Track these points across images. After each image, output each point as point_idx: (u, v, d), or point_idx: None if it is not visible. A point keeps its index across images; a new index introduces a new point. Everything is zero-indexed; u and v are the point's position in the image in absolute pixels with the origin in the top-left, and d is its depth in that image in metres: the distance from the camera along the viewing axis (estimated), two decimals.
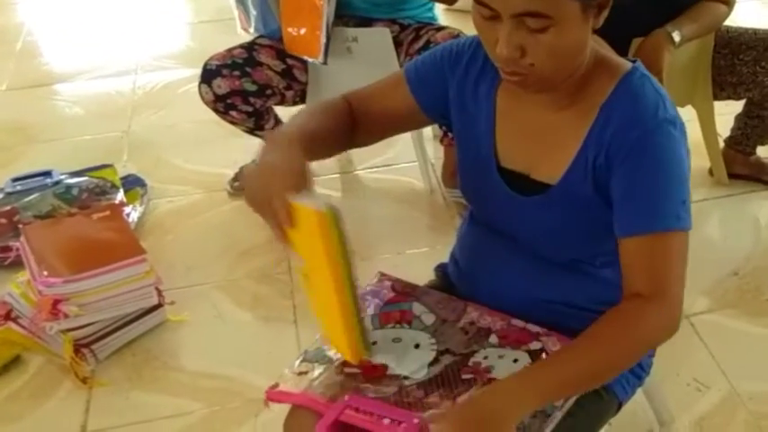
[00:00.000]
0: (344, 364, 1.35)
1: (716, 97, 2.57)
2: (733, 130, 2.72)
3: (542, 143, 1.31)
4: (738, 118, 2.69)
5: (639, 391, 1.65)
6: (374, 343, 1.38)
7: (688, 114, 2.67)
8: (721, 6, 2.36)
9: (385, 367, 1.34)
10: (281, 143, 1.24)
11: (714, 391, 2.05)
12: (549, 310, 1.40)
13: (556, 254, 1.38)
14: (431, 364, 1.34)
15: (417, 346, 1.38)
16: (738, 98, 2.58)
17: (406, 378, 1.31)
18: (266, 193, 1.18)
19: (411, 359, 1.35)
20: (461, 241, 1.54)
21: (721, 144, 2.76)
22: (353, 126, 1.41)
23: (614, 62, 1.28)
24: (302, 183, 1.18)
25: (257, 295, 2.45)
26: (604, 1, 1.18)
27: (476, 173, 1.40)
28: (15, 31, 4.33)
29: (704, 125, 2.66)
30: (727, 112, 2.72)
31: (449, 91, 1.39)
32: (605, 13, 1.19)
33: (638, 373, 1.48)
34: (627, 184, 1.22)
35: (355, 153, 3.11)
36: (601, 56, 1.27)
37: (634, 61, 1.29)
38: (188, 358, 2.25)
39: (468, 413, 1.12)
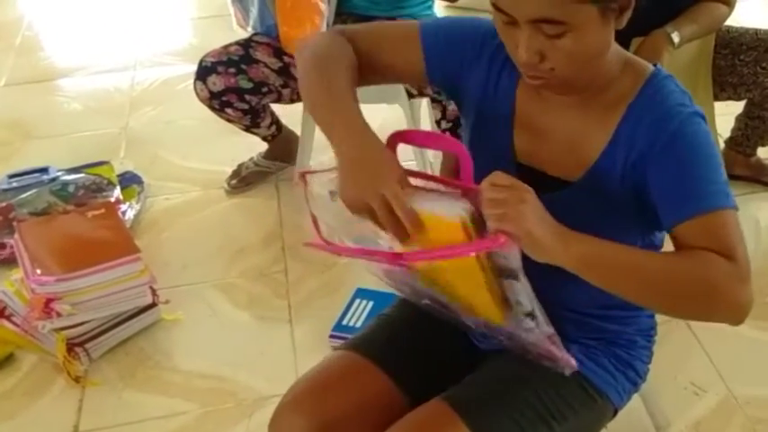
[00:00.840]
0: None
1: (716, 98, 2.54)
2: (733, 130, 2.70)
3: (564, 141, 1.30)
4: (739, 119, 2.67)
5: (636, 394, 1.64)
6: None
7: None
8: (722, 7, 2.34)
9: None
10: (362, 131, 1.21)
11: (711, 395, 2.04)
12: (551, 315, 1.38)
13: None
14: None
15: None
16: (739, 99, 2.56)
17: None
18: (376, 192, 1.14)
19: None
20: None
21: (721, 145, 2.73)
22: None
23: (639, 63, 1.28)
24: (404, 173, 1.17)
25: (252, 294, 2.44)
26: (626, 2, 1.16)
27: (490, 165, 1.33)
28: (15, 25, 4.30)
29: None
30: (727, 113, 2.69)
31: (465, 77, 1.36)
32: (628, 13, 1.18)
33: (634, 378, 1.47)
34: (671, 174, 1.19)
35: None
36: (627, 56, 1.27)
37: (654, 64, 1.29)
38: (182, 358, 2.24)
39: (537, 205, 1.12)
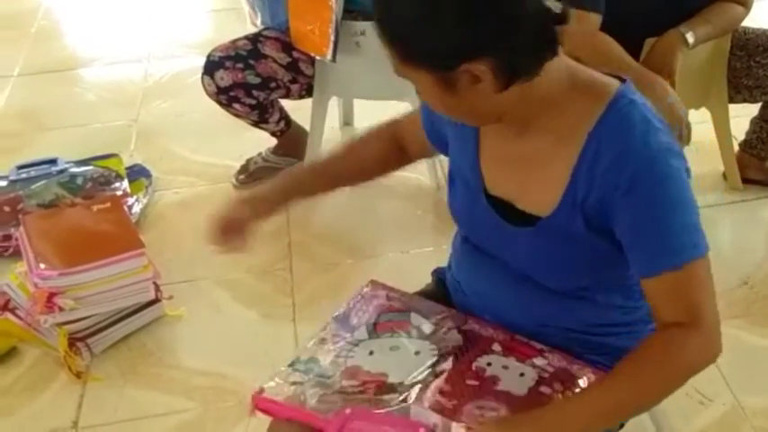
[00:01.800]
0: (343, 375, 1.31)
1: (731, 100, 2.51)
2: (748, 133, 2.66)
3: (526, 172, 1.26)
4: (754, 121, 2.62)
5: None
6: (371, 353, 1.36)
7: (702, 116, 2.62)
8: (737, 7, 2.29)
9: (385, 376, 1.30)
10: None
11: (717, 405, 2.00)
12: (545, 334, 1.37)
13: (549, 283, 1.32)
14: (433, 365, 1.31)
15: (417, 353, 1.35)
16: (754, 101, 2.52)
17: (408, 385, 1.28)
18: None
19: (411, 365, 1.32)
20: (456, 255, 1.50)
21: (736, 148, 2.69)
22: (403, 151, 1.53)
23: (599, 85, 1.21)
24: None
25: (257, 292, 2.43)
26: (473, 78, 1.12)
27: (464, 197, 1.36)
28: (31, 14, 4.31)
29: (718, 128, 2.60)
30: (742, 115, 2.65)
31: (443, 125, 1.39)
32: (486, 85, 1.13)
33: None
34: (634, 224, 1.17)
35: None
36: (582, 79, 1.21)
37: (624, 80, 1.23)
38: (184, 355, 2.23)
39: None
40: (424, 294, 1.52)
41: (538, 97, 1.18)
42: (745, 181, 2.68)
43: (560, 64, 1.18)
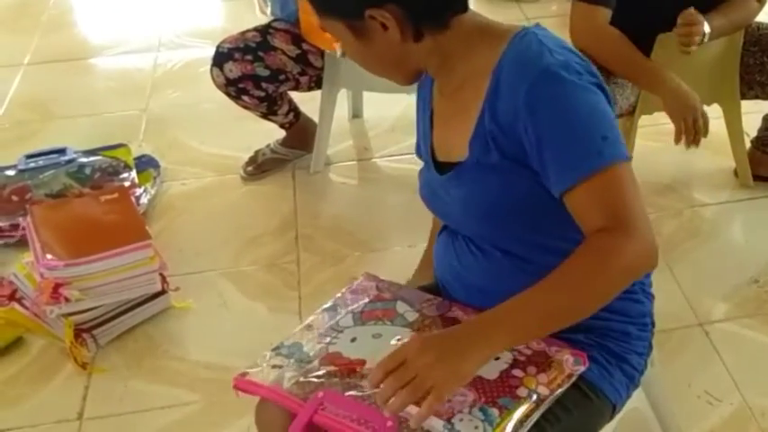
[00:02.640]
0: (322, 360, 1.30)
1: (743, 96, 2.48)
2: (760, 130, 2.63)
3: (451, 125, 1.33)
4: (766, 118, 2.60)
5: (646, 401, 1.60)
6: (354, 339, 1.35)
7: (714, 112, 2.59)
8: (752, 2, 2.27)
9: (363, 362, 1.29)
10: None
11: (726, 405, 1.98)
12: None
13: (494, 235, 1.33)
14: None
15: (399, 339, 1.34)
16: (767, 98, 2.49)
17: None
18: None
19: (390, 351, 1.30)
20: (435, 245, 1.51)
21: (747, 144, 2.66)
22: None
23: (502, 29, 1.27)
24: None
25: (263, 284, 2.42)
26: (380, 25, 1.22)
27: (425, 175, 1.43)
28: (42, 4, 4.30)
29: (730, 124, 2.57)
30: (754, 111, 2.63)
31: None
32: (393, 33, 1.22)
33: (631, 373, 1.38)
34: (540, 141, 1.17)
35: (373, 140, 3.06)
36: (484, 26, 1.28)
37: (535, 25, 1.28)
38: (190, 347, 2.23)
39: (437, 337, 1.13)
40: (422, 287, 1.51)
41: (451, 50, 1.27)
42: (757, 178, 2.66)
43: (473, 19, 1.27)
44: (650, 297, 1.45)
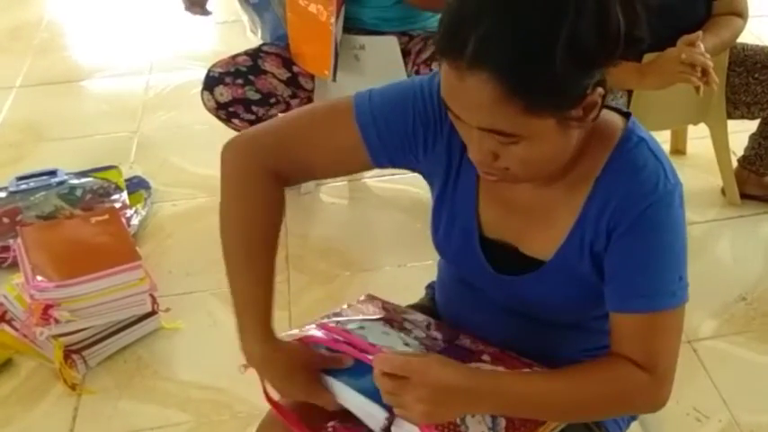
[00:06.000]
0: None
1: (729, 116, 2.51)
2: (747, 149, 2.65)
3: (531, 217, 1.23)
4: (752, 138, 2.62)
5: None
6: (362, 328, 1.30)
7: (701, 132, 2.62)
8: (737, 19, 2.29)
9: (374, 347, 1.24)
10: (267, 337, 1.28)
11: (714, 422, 2.00)
12: (545, 362, 1.35)
13: (547, 319, 1.32)
14: None
15: (407, 345, 1.30)
16: (752, 117, 2.52)
17: None
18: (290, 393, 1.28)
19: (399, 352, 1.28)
20: (444, 290, 1.47)
21: (734, 163, 2.69)
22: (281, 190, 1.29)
23: (608, 127, 1.17)
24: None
25: None
26: (590, 108, 1.06)
27: (455, 239, 1.30)
28: (34, 27, 4.32)
29: (717, 143, 2.60)
30: (741, 130, 2.66)
31: (417, 147, 1.24)
32: (594, 115, 1.07)
33: None
34: (623, 259, 1.15)
35: None
36: (594, 125, 1.13)
37: (628, 114, 1.19)
38: (180, 368, 2.23)
39: (442, 381, 1.10)
40: (417, 308, 1.51)
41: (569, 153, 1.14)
42: (744, 196, 2.68)
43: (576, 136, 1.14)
44: None
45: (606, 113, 1.17)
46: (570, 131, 1.08)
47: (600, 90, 1.06)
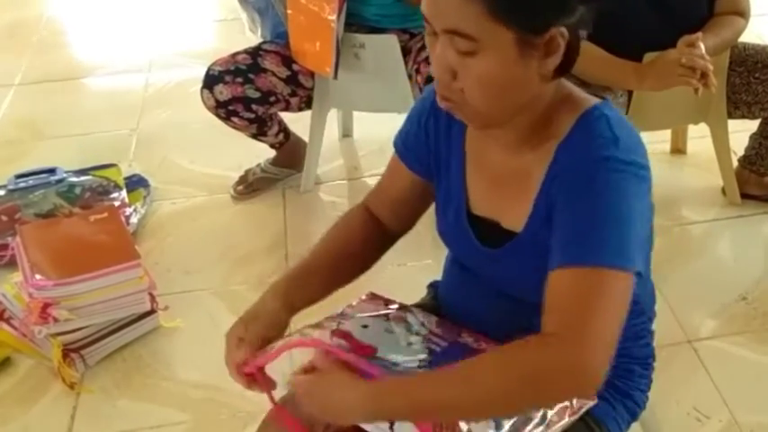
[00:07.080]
0: (333, 333, 1.27)
1: (730, 116, 2.50)
2: (747, 149, 2.65)
3: (507, 188, 1.24)
4: (753, 137, 2.62)
5: None
6: (366, 326, 1.30)
7: (701, 131, 2.62)
8: (739, 19, 2.28)
9: (374, 349, 1.25)
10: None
11: (714, 422, 1.99)
12: None
13: (532, 298, 1.31)
14: (422, 360, 1.27)
15: (410, 344, 1.31)
16: (753, 117, 2.51)
17: (394, 364, 1.23)
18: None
19: (402, 351, 1.27)
20: (445, 273, 1.48)
21: (735, 163, 2.68)
22: (381, 227, 1.45)
23: (577, 99, 1.19)
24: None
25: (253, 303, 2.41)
26: (552, 47, 1.09)
27: (448, 218, 1.33)
28: (33, 24, 4.32)
29: (718, 143, 2.59)
30: (741, 130, 2.65)
31: (427, 146, 1.34)
32: (555, 60, 1.10)
33: (633, 409, 1.41)
34: (565, 214, 1.13)
35: (363, 159, 3.07)
36: (566, 93, 1.19)
37: (604, 99, 1.21)
38: (179, 366, 2.22)
39: (317, 385, 1.17)
40: (419, 307, 1.51)
41: (541, 103, 1.17)
42: (744, 196, 2.68)
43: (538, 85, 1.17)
44: (653, 335, 1.47)
45: (583, 93, 1.21)
46: (529, 65, 1.10)
47: (564, 31, 1.08)
